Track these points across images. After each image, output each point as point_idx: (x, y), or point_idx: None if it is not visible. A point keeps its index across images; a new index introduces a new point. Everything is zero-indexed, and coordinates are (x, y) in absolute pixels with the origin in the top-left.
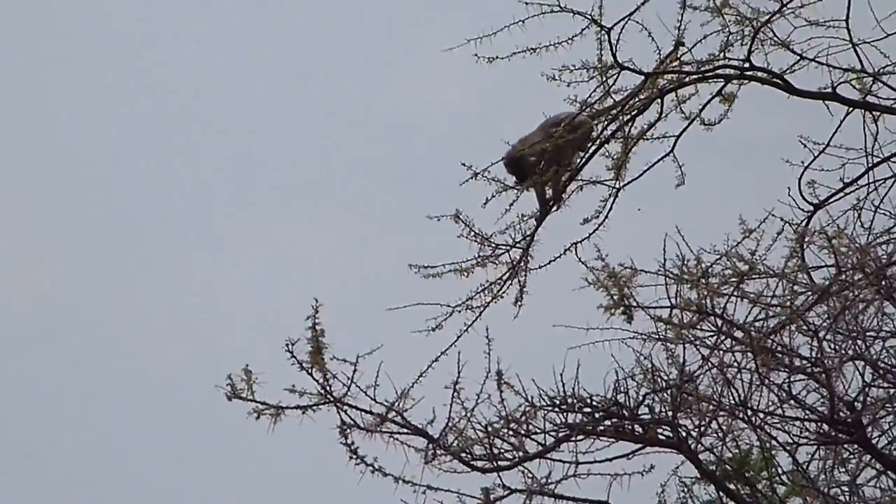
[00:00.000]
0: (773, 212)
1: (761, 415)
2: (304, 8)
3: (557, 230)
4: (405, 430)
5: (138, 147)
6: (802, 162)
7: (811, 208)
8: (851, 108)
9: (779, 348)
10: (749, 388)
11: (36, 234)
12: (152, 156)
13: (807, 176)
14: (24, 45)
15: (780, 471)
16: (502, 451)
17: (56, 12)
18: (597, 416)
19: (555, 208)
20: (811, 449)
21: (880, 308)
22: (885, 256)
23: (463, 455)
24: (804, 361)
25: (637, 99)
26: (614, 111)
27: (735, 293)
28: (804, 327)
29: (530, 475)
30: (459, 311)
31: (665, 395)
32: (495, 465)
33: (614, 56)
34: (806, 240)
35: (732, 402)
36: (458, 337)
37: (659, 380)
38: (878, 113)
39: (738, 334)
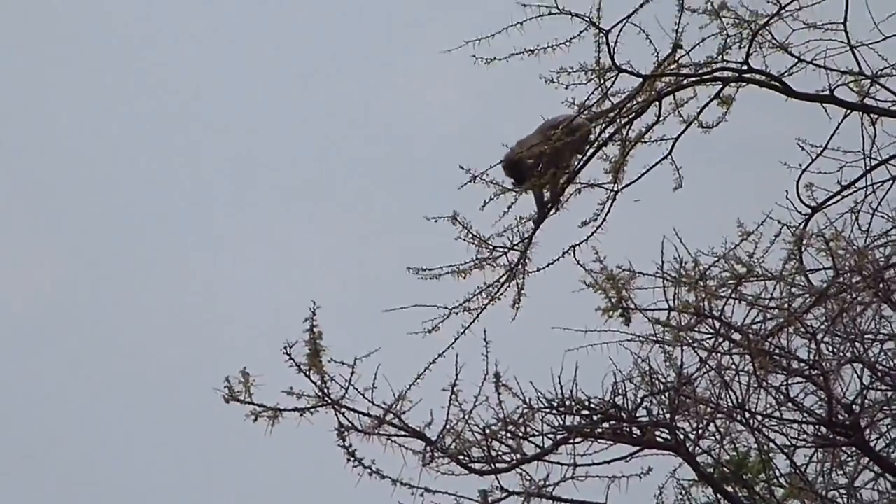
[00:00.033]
0: (770, 214)
1: (759, 417)
2: (304, 8)
3: (555, 233)
4: (403, 433)
5: (138, 147)
6: (800, 164)
7: (809, 211)
8: (849, 111)
9: (777, 351)
10: (747, 391)
11: (36, 234)
12: (152, 156)
13: (805, 178)
14: (24, 45)
15: (777, 473)
16: (500, 453)
17: (56, 12)
18: (595, 418)
19: (553, 211)
20: (809, 451)
21: (878, 310)
22: (882, 259)
23: (461, 457)
24: (802, 364)
25: (635, 101)
26: (612, 114)
27: (733, 295)
28: (802, 330)
29: (528, 477)
30: (457, 313)
31: (663, 397)
32: (493, 467)
33: (612, 58)
34: (804, 242)
35: (730, 404)
36: (456, 339)
37: (657, 382)
38: (876, 115)
39: (736, 337)
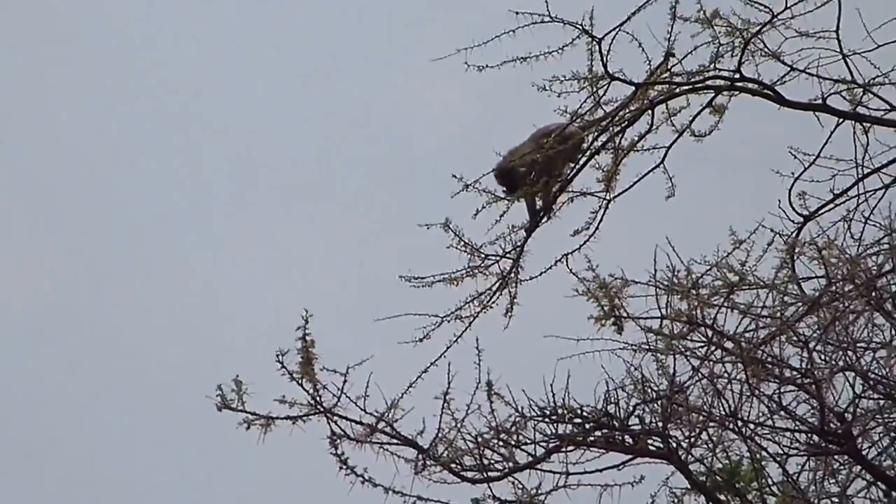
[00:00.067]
0: (763, 223)
1: (751, 425)
2: (304, 8)
3: (548, 241)
4: (395, 441)
5: (138, 147)
6: (793, 173)
7: (801, 219)
8: (842, 119)
9: (769, 359)
10: (739, 399)
11: (36, 234)
12: (152, 156)
13: (797, 187)
14: (24, 45)
15: (770, 482)
16: (492, 461)
17: (56, 12)
18: (587, 426)
19: (545, 219)
20: (801, 460)
21: (870, 319)
22: (875, 267)
23: (453, 466)
24: (794, 372)
25: (627, 110)
26: (605, 122)
27: (725, 304)
28: (794, 338)
29: (520, 486)
30: (449, 322)
31: (655, 405)
32: (485, 475)
33: (605, 66)
34: (796, 251)
35: (723, 412)
36: (448, 347)
37: (649, 390)
38: (868, 124)
39: (729, 345)
